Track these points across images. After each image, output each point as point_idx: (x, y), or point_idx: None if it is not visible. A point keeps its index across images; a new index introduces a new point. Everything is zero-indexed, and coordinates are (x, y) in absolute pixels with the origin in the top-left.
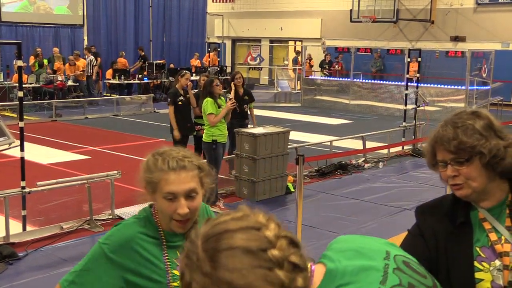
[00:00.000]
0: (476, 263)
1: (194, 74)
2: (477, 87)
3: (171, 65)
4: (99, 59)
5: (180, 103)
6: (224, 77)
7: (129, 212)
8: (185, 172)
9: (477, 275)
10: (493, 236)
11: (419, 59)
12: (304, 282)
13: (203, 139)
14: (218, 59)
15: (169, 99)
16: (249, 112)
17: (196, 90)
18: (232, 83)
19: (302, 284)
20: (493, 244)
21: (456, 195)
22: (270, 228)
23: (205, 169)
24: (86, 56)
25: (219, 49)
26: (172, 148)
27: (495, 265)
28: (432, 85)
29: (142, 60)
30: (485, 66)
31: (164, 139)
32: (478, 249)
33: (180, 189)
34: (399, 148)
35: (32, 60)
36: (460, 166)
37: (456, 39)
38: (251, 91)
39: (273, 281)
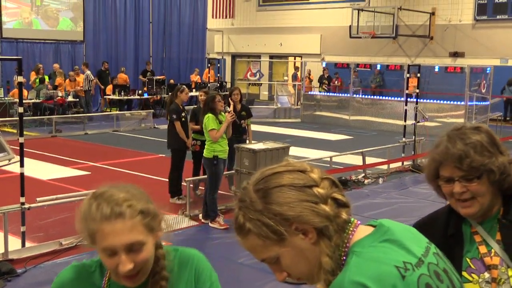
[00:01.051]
0: (465, 274)
1: (194, 90)
2: (477, 103)
3: (171, 81)
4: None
5: (183, 119)
6: (224, 93)
7: None
8: (122, 222)
9: (466, 286)
10: (483, 249)
11: (419, 75)
12: (347, 215)
13: (204, 155)
14: (218, 75)
15: (174, 116)
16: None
17: (195, 106)
18: (230, 98)
19: (346, 218)
20: (483, 257)
21: (451, 208)
22: (314, 172)
23: (151, 213)
24: (84, 72)
25: (218, 65)
26: (114, 187)
27: (484, 277)
28: (431, 101)
29: (149, 74)
30: (484, 81)
31: (163, 155)
32: (468, 260)
33: (118, 243)
34: (399, 164)
35: (33, 76)
36: (470, 183)
37: (455, 54)
38: (251, 106)
39: (320, 212)
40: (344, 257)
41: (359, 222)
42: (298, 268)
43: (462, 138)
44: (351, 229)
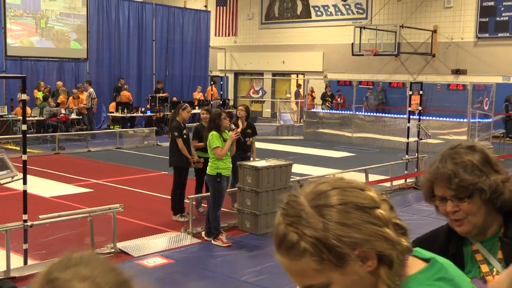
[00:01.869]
0: None
1: (197, 107)
2: (479, 120)
3: (174, 98)
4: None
5: (185, 136)
6: (227, 110)
7: (131, 245)
8: None
9: None
10: (484, 268)
11: (421, 92)
12: (409, 244)
13: (207, 172)
14: (221, 92)
15: (176, 133)
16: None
17: (197, 124)
18: (238, 117)
19: (407, 245)
20: (485, 276)
21: (451, 226)
22: (372, 191)
23: None
24: (87, 89)
25: (221, 83)
26: (73, 266)
27: None
28: (434, 118)
29: (161, 92)
30: (487, 99)
31: (166, 172)
32: (469, 280)
33: None
34: (402, 181)
35: (36, 93)
36: (461, 202)
37: (457, 72)
38: (254, 124)
39: (387, 237)
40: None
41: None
42: None
43: (453, 157)
44: (405, 259)
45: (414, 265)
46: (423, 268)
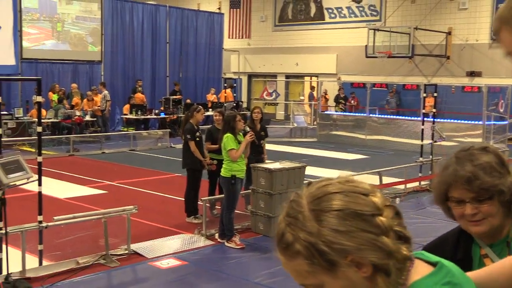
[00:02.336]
0: None
1: (210, 110)
2: (494, 122)
3: (188, 100)
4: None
5: (197, 139)
6: (243, 113)
7: (145, 247)
8: None
9: None
10: None
11: (435, 94)
12: (408, 252)
13: (221, 174)
14: (234, 95)
15: (188, 135)
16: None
17: (210, 126)
18: (252, 117)
19: (407, 254)
20: None
21: (461, 229)
22: (377, 196)
23: None
24: (101, 91)
25: (235, 85)
26: None
27: None
28: (448, 120)
29: (178, 94)
30: (502, 101)
31: (180, 174)
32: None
33: None
34: (416, 184)
35: (51, 95)
36: (481, 204)
37: (472, 74)
38: (267, 126)
39: (381, 247)
40: None
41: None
42: None
43: (471, 159)
44: (408, 265)
45: (421, 270)
46: (430, 272)
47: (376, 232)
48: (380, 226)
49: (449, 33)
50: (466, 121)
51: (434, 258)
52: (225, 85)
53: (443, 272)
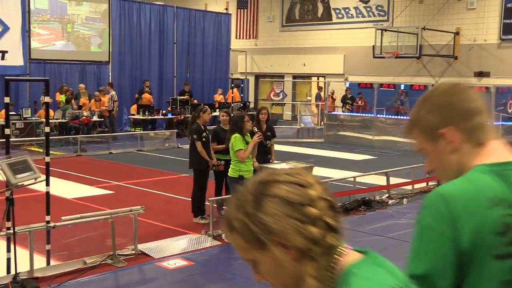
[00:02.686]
0: None
1: (217, 110)
2: (503, 123)
3: (195, 101)
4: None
5: (204, 139)
6: (251, 113)
7: (152, 247)
8: None
9: None
10: None
11: None
12: (335, 242)
13: (229, 174)
14: (241, 95)
15: (195, 136)
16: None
17: (216, 126)
18: (258, 118)
19: (332, 242)
20: None
21: None
22: (315, 189)
23: None
24: (109, 92)
25: (242, 85)
26: None
27: None
28: None
29: (187, 95)
30: (511, 101)
31: (187, 174)
32: None
33: None
34: (424, 184)
35: (58, 96)
36: None
37: (480, 74)
38: (274, 126)
39: (304, 234)
40: (335, 277)
41: (349, 247)
42: (275, 278)
43: None
44: (341, 251)
45: (354, 256)
46: (362, 257)
47: (304, 220)
48: (308, 215)
49: (457, 33)
50: None
51: (366, 249)
52: (232, 85)
53: (372, 257)
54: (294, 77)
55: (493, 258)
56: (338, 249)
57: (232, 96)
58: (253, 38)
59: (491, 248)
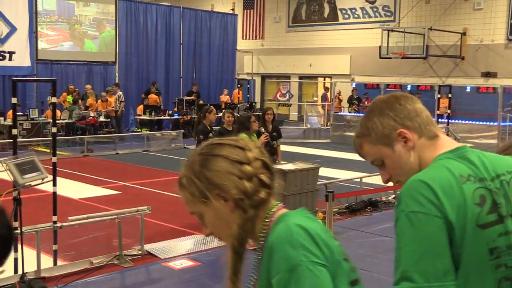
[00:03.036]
0: None
1: (223, 110)
2: (510, 123)
3: (201, 101)
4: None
5: (210, 139)
6: (258, 114)
7: (158, 247)
8: None
9: None
10: None
11: (450, 95)
12: (266, 196)
13: None
14: (248, 95)
15: (201, 136)
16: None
17: (219, 127)
18: (265, 118)
19: (264, 197)
20: None
21: None
22: (253, 152)
23: None
24: (116, 92)
25: (248, 86)
26: None
27: None
28: (463, 121)
29: (195, 95)
30: None
31: None
32: None
33: None
34: None
35: (67, 97)
36: None
37: (487, 75)
38: (281, 127)
39: (239, 187)
40: (265, 228)
41: (281, 205)
42: (217, 229)
43: None
44: (274, 206)
45: (285, 210)
46: (295, 210)
47: (239, 175)
48: (243, 171)
49: (464, 34)
50: (481, 122)
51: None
52: (239, 85)
53: (303, 210)
54: (300, 77)
55: (479, 228)
56: (271, 205)
57: (238, 97)
58: (259, 38)
59: (475, 219)
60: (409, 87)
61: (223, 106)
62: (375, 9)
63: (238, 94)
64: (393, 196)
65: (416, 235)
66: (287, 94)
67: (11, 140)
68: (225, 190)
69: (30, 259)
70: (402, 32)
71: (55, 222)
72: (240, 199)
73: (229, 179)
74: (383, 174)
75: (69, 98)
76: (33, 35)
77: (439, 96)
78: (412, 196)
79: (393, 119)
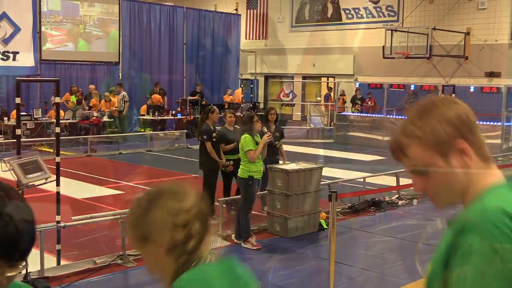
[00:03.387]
0: None
1: (225, 110)
2: None
3: (204, 101)
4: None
5: (214, 139)
6: (261, 113)
7: None
8: None
9: None
10: None
11: (453, 95)
12: (197, 245)
13: (239, 175)
14: (251, 95)
15: (205, 136)
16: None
17: (220, 127)
18: (268, 118)
19: (194, 246)
20: None
21: None
22: (190, 201)
23: None
24: (119, 92)
25: (251, 86)
26: None
27: None
28: None
29: (199, 95)
30: None
31: (196, 175)
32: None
33: None
34: None
35: (71, 97)
36: None
37: (491, 75)
38: (284, 127)
39: (172, 237)
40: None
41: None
42: (153, 268)
43: None
44: (204, 254)
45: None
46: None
47: (173, 227)
48: (177, 223)
49: (467, 34)
50: (484, 122)
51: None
52: (242, 86)
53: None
54: (304, 77)
55: None
56: (202, 252)
57: (242, 97)
58: (262, 38)
59: None
60: (412, 87)
61: (226, 106)
62: (378, 9)
63: (242, 94)
64: (396, 196)
65: (506, 273)
66: (291, 94)
67: (15, 140)
68: (158, 240)
69: (33, 258)
70: (406, 32)
71: (58, 222)
72: (173, 247)
73: (163, 231)
74: (419, 182)
75: (73, 98)
76: (37, 35)
77: (442, 96)
78: (496, 226)
79: (453, 128)
